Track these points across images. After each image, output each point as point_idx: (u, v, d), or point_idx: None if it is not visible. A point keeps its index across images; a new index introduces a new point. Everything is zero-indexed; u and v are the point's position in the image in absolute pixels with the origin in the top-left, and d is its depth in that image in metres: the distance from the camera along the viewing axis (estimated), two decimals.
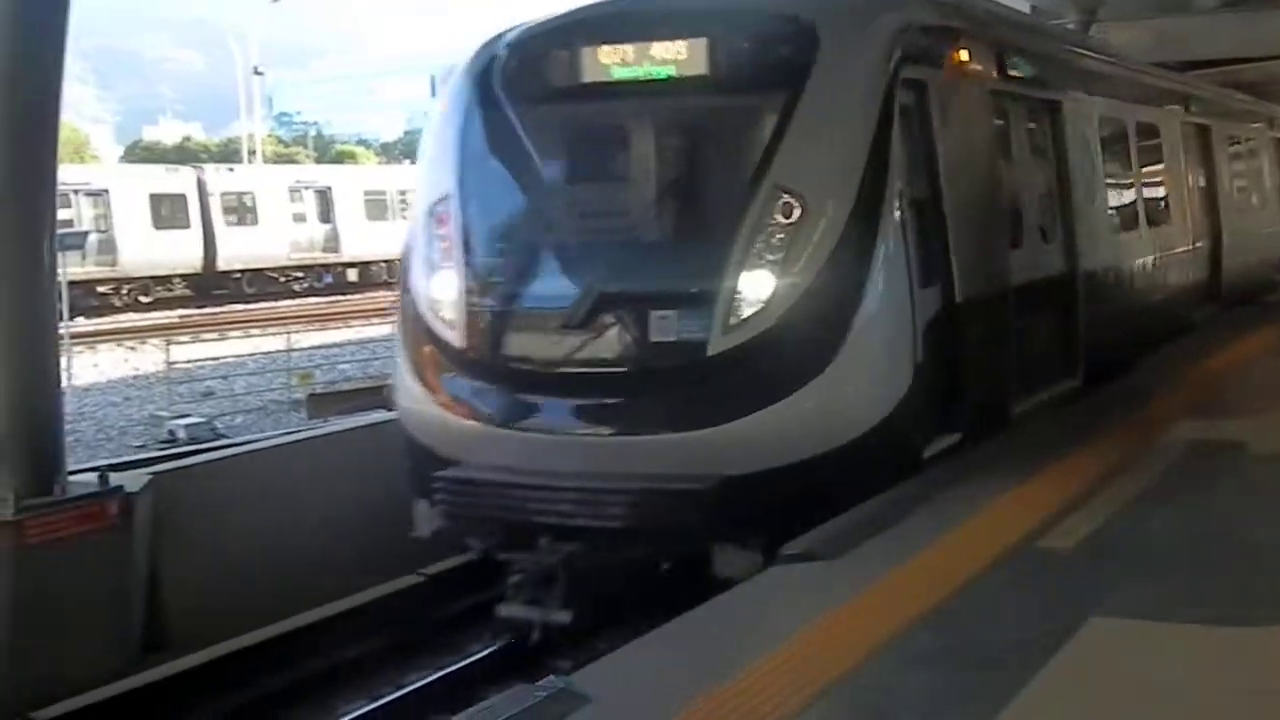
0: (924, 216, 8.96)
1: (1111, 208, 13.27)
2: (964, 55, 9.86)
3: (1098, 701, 5.01)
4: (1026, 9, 19.83)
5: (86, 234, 33.66)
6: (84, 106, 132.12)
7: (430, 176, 9.47)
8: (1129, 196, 14.07)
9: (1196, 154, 17.03)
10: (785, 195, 8.15)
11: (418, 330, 9.04)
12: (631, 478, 8.09)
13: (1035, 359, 10.59)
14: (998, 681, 5.11)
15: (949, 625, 5.86)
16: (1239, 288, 17.92)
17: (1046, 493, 8.01)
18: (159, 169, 50.07)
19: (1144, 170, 14.52)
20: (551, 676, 5.29)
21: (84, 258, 35.82)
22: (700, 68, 8.70)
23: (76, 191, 39.61)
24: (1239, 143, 19.79)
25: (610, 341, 8.40)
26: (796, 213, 8.13)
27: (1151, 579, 6.44)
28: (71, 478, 9.03)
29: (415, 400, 9.01)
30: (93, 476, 9.10)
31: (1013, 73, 10.91)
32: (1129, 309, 13.09)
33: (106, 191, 42.31)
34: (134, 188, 43.60)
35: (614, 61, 8.89)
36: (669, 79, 8.76)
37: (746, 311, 8.07)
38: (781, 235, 8.12)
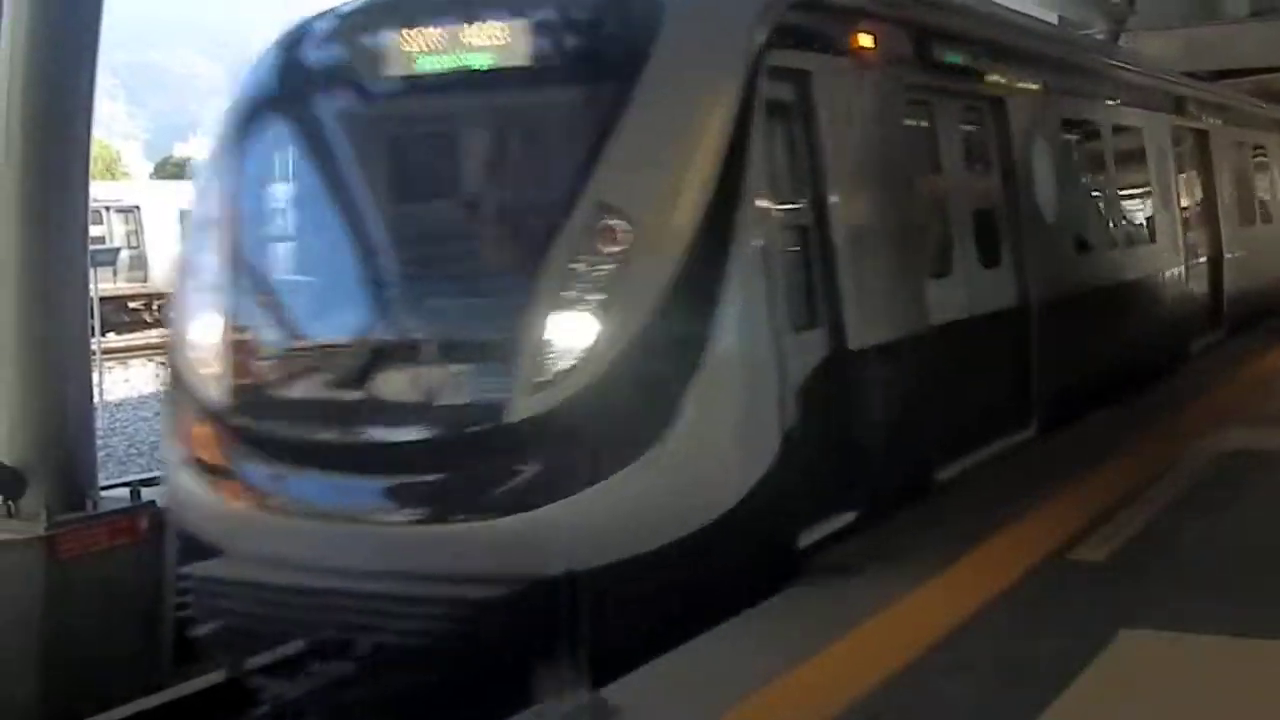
0: (804, 242, 7.42)
1: (1078, 225, 11.61)
2: (866, 39, 8.07)
3: (1126, 716, 4.97)
4: (1054, 19, 19.76)
5: (118, 250, 33.87)
6: (115, 123, 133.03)
7: (203, 192, 7.87)
8: (1101, 211, 12.56)
9: (1192, 162, 15.56)
10: (611, 216, 6.50)
11: (178, 383, 7.44)
12: (414, 579, 6.46)
13: (970, 411, 8.90)
14: (1027, 696, 5.09)
15: (979, 638, 5.83)
16: (1246, 311, 16.29)
17: (1079, 504, 7.99)
18: (190, 185, 50.27)
19: (1122, 180, 12.98)
20: (580, 690, 5.26)
21: (116, 274, 35.97)
22: (521, 56, 7.05)
23: (108, 208, 39.76)
24: (1246, 150, 18.18)
25: (392, 403, 6.77)
26: (625, 238, 6.47)
27: (1184, 591, 6.41)
28: (103, 493, 9.08)
29: (174, 470, 7.45)
30: (124, 492, 9.14)
31: (940, 63, 9.25)
32: (1101, 343, 11.28)
33: (138, 208, 42.42)
34: (165, 204, 43.60)
35: (420, 49, 7.23)
36: (486, 71, 7.12)
37: (559, 365, 6.40)
38: (606, 267, 6.46)
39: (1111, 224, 12.67)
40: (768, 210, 7.02)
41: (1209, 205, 15.78)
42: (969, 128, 9.83)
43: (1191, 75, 17.87)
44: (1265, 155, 19.34)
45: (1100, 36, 20.65)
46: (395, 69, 7.32)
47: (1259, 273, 17.26)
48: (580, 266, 6.47)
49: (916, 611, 6.21)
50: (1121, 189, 12.96)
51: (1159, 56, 19.11)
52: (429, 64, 7.24)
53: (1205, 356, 14.44)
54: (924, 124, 9.13)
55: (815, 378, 7.22)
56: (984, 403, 9.22)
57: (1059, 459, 9.28)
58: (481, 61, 7.12)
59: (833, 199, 7.52)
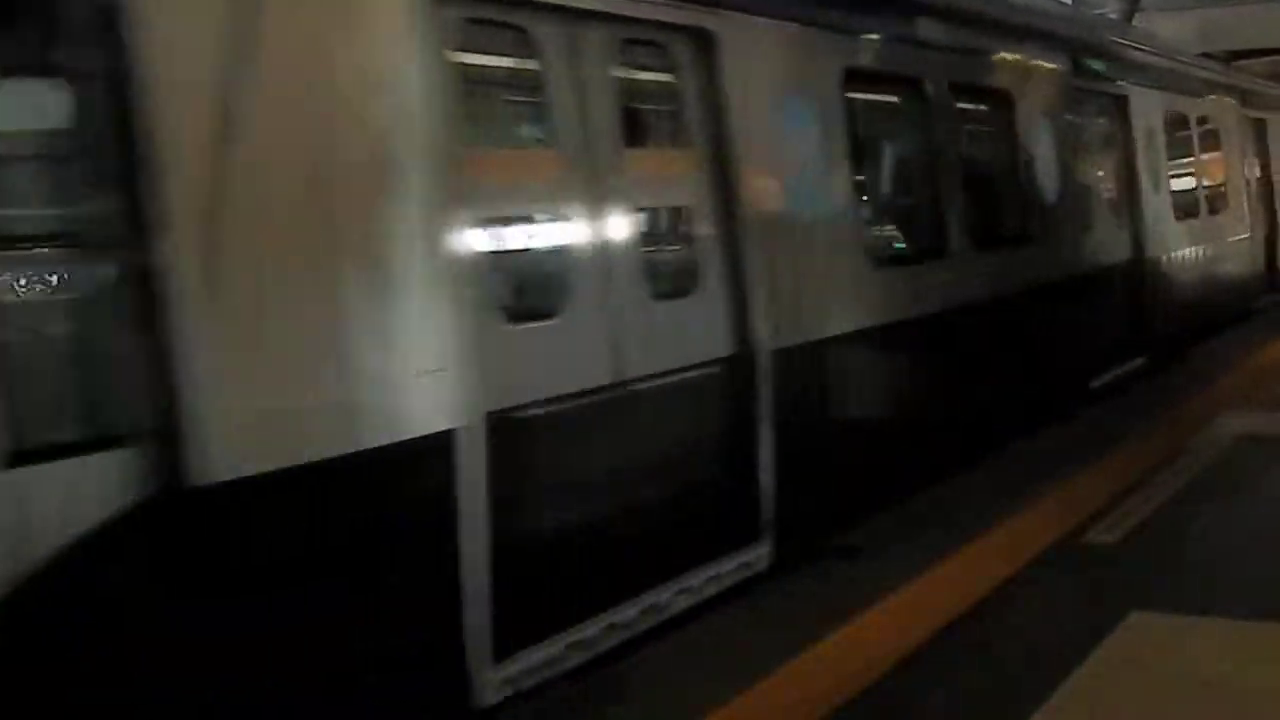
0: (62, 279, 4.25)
1: (869, 226, 8.42)
2: None
3: (1134, 698, 4.99)
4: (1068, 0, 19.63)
5: None
6: None
7: None
8: (920, 206, 9.06)
9: (1100, 137, 12.23)
10: None
11: None
12: None
13: (602, 547, 5.63)
14: (1036, 677, 5.10)
15: (990, 620, 5.86)
16: (1184, 326, 13.02)
17: (1093, 487, 8.00)
18: None
19: (967, 160, 9.34)
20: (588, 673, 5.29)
21: None
22: None
23: None
24: (1184, 123, 14.38)
25: None
26: None
27: (1194, 573, 6.42)
28: None
29: None
30: None
31: None
32: (914, 402, 8.09)
33: None
34: None
35: None
36: None
37: None
38: None
39: (940, 223, 8.85)
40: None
41: (1128, 194, 12.33)
42: (627, 75, 6.18)
43: (1207, 56, 17.60)
44: (1214, 130, 15.51)
45: (1113, 17, 20.47)
46: None
47: (1202, 277, 13.93)
48: None
49: (931, 592, 6.22)
50: (964, 173, 9.16)
51: (1173, 38, 18.94)
52: None
53: (1124, 394, 11.23)
54: (497, 67, 5.81)
55: (80, 553, 3.77)
56: (645, 524, 5.89)
57: (1077, 439, 9.27)
58: None
59: (167, 198, 4.06)
